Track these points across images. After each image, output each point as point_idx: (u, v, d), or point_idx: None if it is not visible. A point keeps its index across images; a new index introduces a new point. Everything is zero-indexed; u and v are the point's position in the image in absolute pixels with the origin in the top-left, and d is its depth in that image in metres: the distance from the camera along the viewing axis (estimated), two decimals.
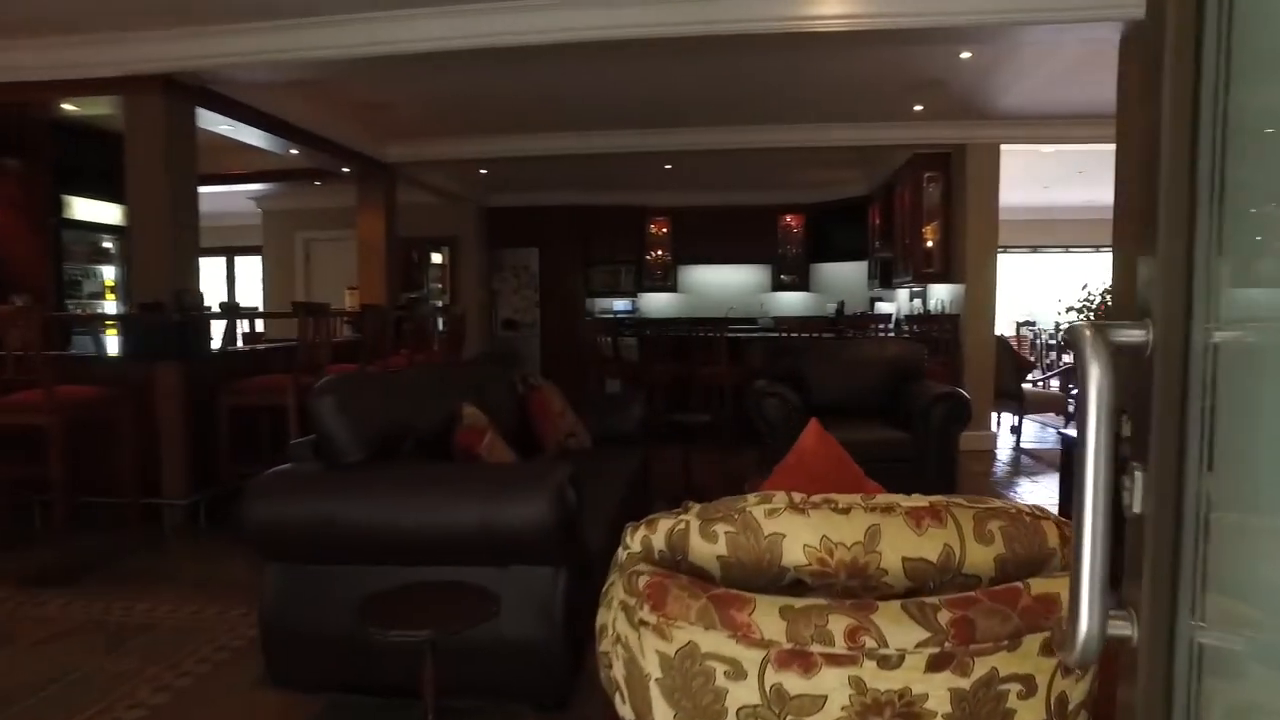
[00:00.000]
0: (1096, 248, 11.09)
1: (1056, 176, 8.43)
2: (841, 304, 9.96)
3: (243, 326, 6.59)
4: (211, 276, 10.22)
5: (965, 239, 6.39)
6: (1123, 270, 3.85)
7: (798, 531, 1.11)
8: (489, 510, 2.11)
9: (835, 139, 6.56)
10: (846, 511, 1.14)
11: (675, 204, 10.03)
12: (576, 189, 9.76)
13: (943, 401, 4.34)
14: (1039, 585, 1.09)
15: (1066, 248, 11.24)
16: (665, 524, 1.27)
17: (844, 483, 1.55)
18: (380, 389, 2.69)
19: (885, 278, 8.40)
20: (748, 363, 6.93)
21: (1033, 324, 10.31)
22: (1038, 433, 7.06)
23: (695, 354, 6.73)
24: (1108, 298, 4.19)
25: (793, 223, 9.99)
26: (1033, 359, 8.93)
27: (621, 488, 3.21)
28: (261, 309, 8.89)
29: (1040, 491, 5.09)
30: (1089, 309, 4.23)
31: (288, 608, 2.26)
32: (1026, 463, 6.04)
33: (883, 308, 9.09)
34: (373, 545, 2.16)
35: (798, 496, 1.18)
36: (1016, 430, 6.67)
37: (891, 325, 7.22)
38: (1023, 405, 6.48)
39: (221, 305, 5.77)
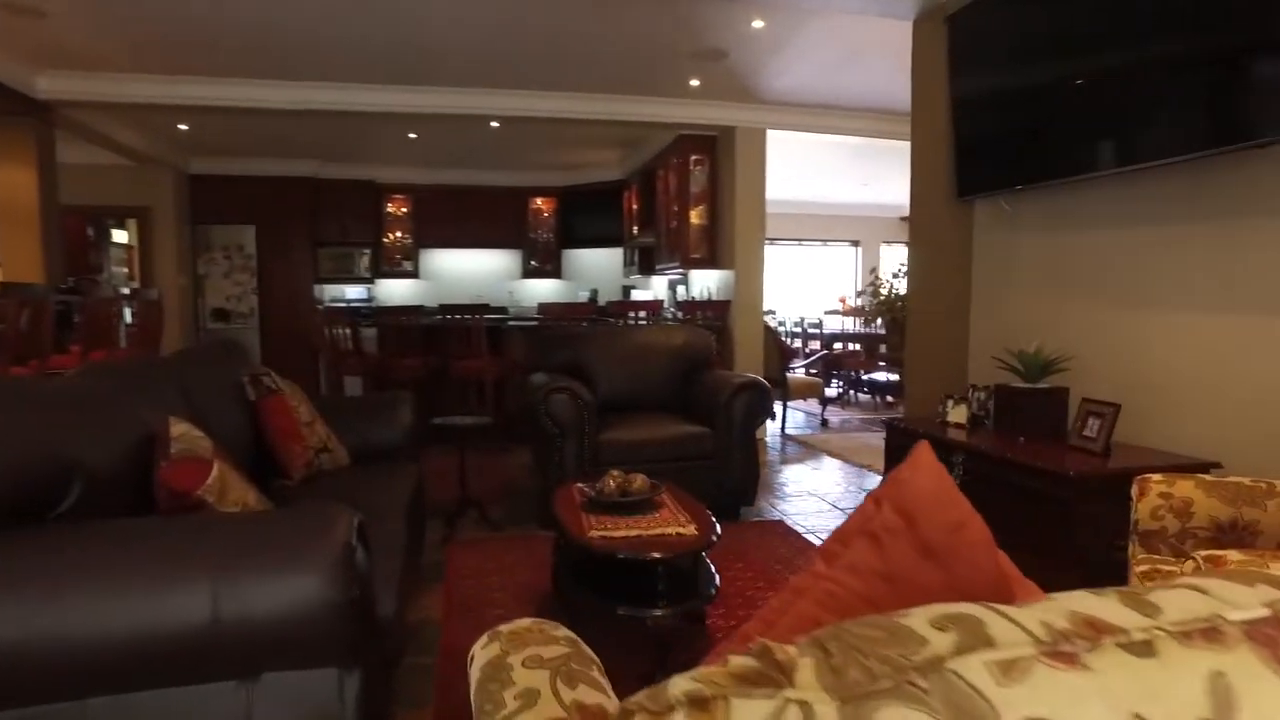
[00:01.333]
0: (824, 241, 11.96)
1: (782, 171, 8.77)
2: (595, 292, 9.63)
3: None
4: None
5: (734, 225, 6.29)
6: (919, 259, 3.83)
7: (1080, 709, 0.46)
8: (228, 593, 1.29)
9: (602, 112, 6.11)
10: (1153, 652, 0.53)
11: (416, 181, 9.02)
12: (302, 157, 8.37)
13: (745, 392, 4.05)
14: None
15: (800, 240, 11.94)
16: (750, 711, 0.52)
17: (974, 559, 0.81)
18: (19, 403, 1.68)
19: (645, 264, 8.18)
20: (509, 354, 6.29)
21: (772, 313, 10.76)
22: (802, 420, 7.27)
23: (450, 346, 5.93)
24: (894, 285, 4.18)
25: (543, 206, 9.45)
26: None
27: (402, 524, 2.42)
28: None
29: (816, 477, 5.07)
30: (878, 296, 4.21)
31: None
32: (794, 449, 6.08)
33: (639, 295, 8.89)
34: (29, 675, 1.25)
35: (1039, 624, 0.52)
36: (780, 417, 6.75)
37: (667, 312, 6.97)
38: (787, 392, 6.56)
39: None
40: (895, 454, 3.25)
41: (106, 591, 1.28)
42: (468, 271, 9.45)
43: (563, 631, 1.12)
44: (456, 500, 3.98)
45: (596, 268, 9.65)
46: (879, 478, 4.96)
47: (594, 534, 2.34)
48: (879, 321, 5.07)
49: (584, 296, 9.58)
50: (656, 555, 2.23)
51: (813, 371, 7.26)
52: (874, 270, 4.74)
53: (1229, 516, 1.99)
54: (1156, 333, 2.75)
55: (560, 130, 6.97)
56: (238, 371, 2.81)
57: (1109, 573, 2.34)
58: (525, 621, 1.15)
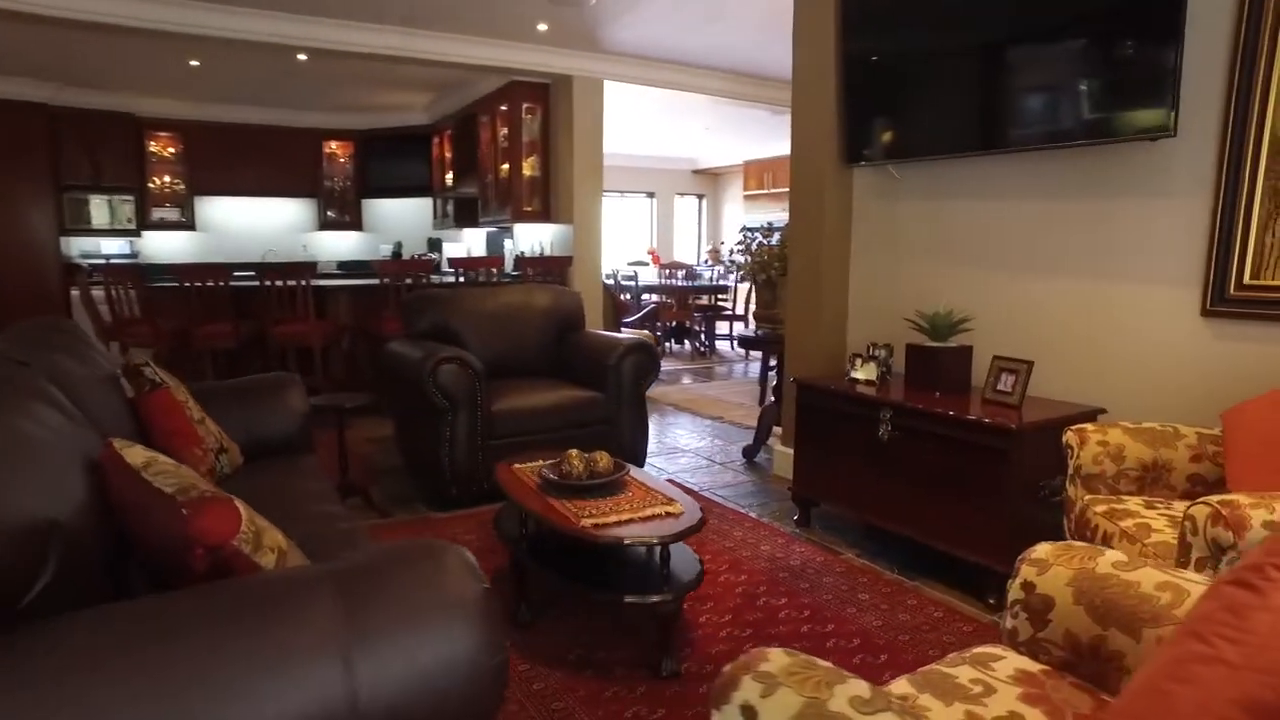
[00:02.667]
0: (622, 193, 12.07)
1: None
2: (399, 245, 8.98)
3: None
4: None
5: (573, 177, 6.12)
6: (800, 222, 3.96)
7: None
8: (364, 664, 1.04)
9: (431, 52, 5.60)
10: None
11: (187, 116, 7.73)
12: (36, 77, 6.79)
13: (634, 353, 4.00)
14: None
15: (623, 192, 11.94)
16: None
17: None
18: None
19: (464, 216, 7.74)
20: (335, 318, 5.70)
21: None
22: None
23: (269, 309, 5.23)
24: (764, 239, 4.31)
25: (339, 151, 8.56)
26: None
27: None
28: None
29: (677, 432, 5.19)
30: (748, 252, 4.32)
31: None
32: None
33: (452, 249, 8.42)
34: None
35: None
36: None
37: (509, 269, 6.63)
38: None
39: None
40: (804, 412, 3.39)
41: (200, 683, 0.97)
42: (254, 223, 8.36)
43: (819, 661, 1.04)
44: (338, 487, 3.56)
45: (400, 219, 8.97)
46: (738, 429, 5.19)
47: (587, 522, 2.20)
48: (735, 277, 5.21)
49: (386, 250, 8.89)
50: (660, 539, 2.15)
51: (649, 328, 7.37)
52: (744, 229, 4.88)
53: (1151, 458, 2.32)
54: (1041, 296, 3.10)
55: (373, 69, 6.30)
56: (100, 362, 2.26)
57: (1038, 512, 2.64)
58: (777, 653, 1.05)
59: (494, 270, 5.87)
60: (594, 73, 6.02)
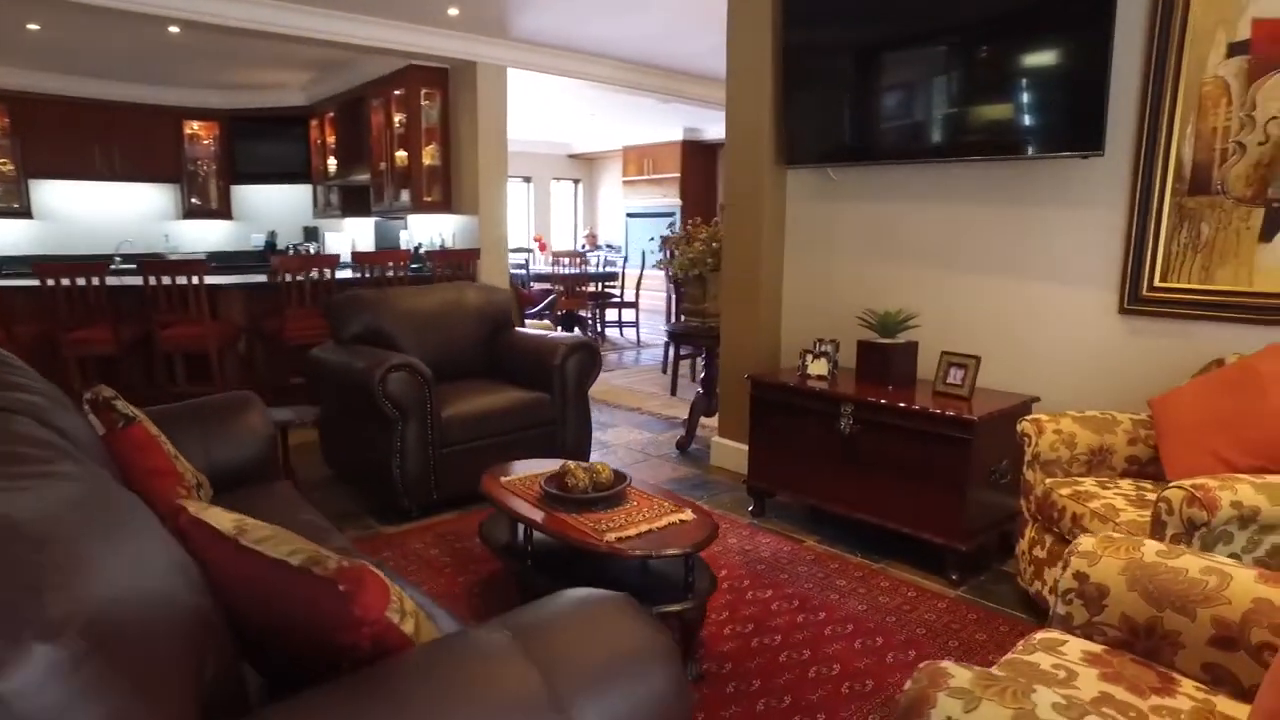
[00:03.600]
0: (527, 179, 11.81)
1: None
2: (273, 235, 8.39)
3: None
4: None
5: (477, 166, 5.96)
6: (736, 220, 4.08)
7: None
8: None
9: (323, 31, 5.25)
10: None
11: (16, 86, 6.82)
12: None
13: (577, 352, 4.00)
14: None
15: None
16: None
17: None
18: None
19: (352, 205, 7.34)
20: (230, 319, 5.29)
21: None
22: None
23: (155, 311, 4.76)
24: (697, 240, 4.41)
25: (203, 132, 7.85)
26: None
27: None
28: None
29: (602, 427, 5.23)
30: (682, 250, 4.40)
31: None
32: None
33: (334, 241, 7.96)
34: None
35: None
36: None
37: (413, 260, 6.34)
38: None
39: None
40: (759, 407, 3.53)
41: None
42: (105, 211, 7.53)
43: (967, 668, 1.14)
44: None
45: (275, 207, 8.37)
46: (660, 420, 5.29)
47: (611, 537, 2.22)
48: (668, 274, 5.22)
49: (259, 240, 8.29)
50: (691, 547, 2.21)
51: (550, 318, 7.31)
52: (671, 225, 4.92)
53: (1097, 443, 2.62)
54: (976, 295, 3.38)
55: (252, 45, 5.84)
56: (54, 393, 2.02)
57: (989, 494, 2.91)
58: (954, 667, 1.14)
59: (398, 264, 5.62)
60: (499, 60, 5.87)
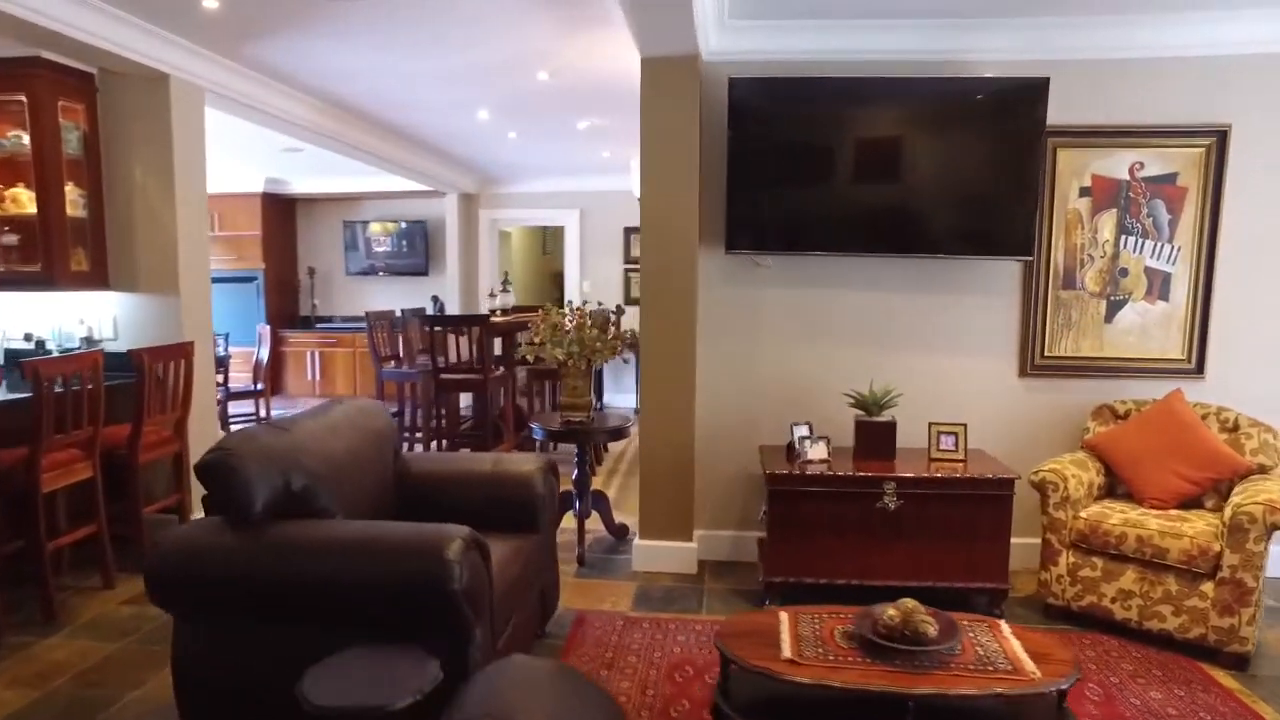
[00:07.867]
0: None
1: None
2: None
3: None
4: None
5: (175, 224, 4.19)
6: (654, 305, 3.88)
7: None
8: None
9: None
10: None
11: None
12: None
13: (548, 475, 3.32)
14: None
15: None
16: None
17: None
18: None
19: None
20: None
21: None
22: None
23: None
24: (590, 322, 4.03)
25: None
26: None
27: None
28: None
29: None
30: (565, 333, 3.93)
31: None
32: None
33: None
34: None
35: None
36: None
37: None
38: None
39: None
40: (778, 501, 3.49)
41: None
42: None
43: None
44: None
45: None
46: None
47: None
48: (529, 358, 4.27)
49: None
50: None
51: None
52: (544, 308, 4.13)
53: (1089, 480, 3.48)
54: (908, 367, 3.97)
55: None
56: None
57: (1027, 532, 3.55)
58: None
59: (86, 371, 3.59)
60: (199, 78, 4.25)
